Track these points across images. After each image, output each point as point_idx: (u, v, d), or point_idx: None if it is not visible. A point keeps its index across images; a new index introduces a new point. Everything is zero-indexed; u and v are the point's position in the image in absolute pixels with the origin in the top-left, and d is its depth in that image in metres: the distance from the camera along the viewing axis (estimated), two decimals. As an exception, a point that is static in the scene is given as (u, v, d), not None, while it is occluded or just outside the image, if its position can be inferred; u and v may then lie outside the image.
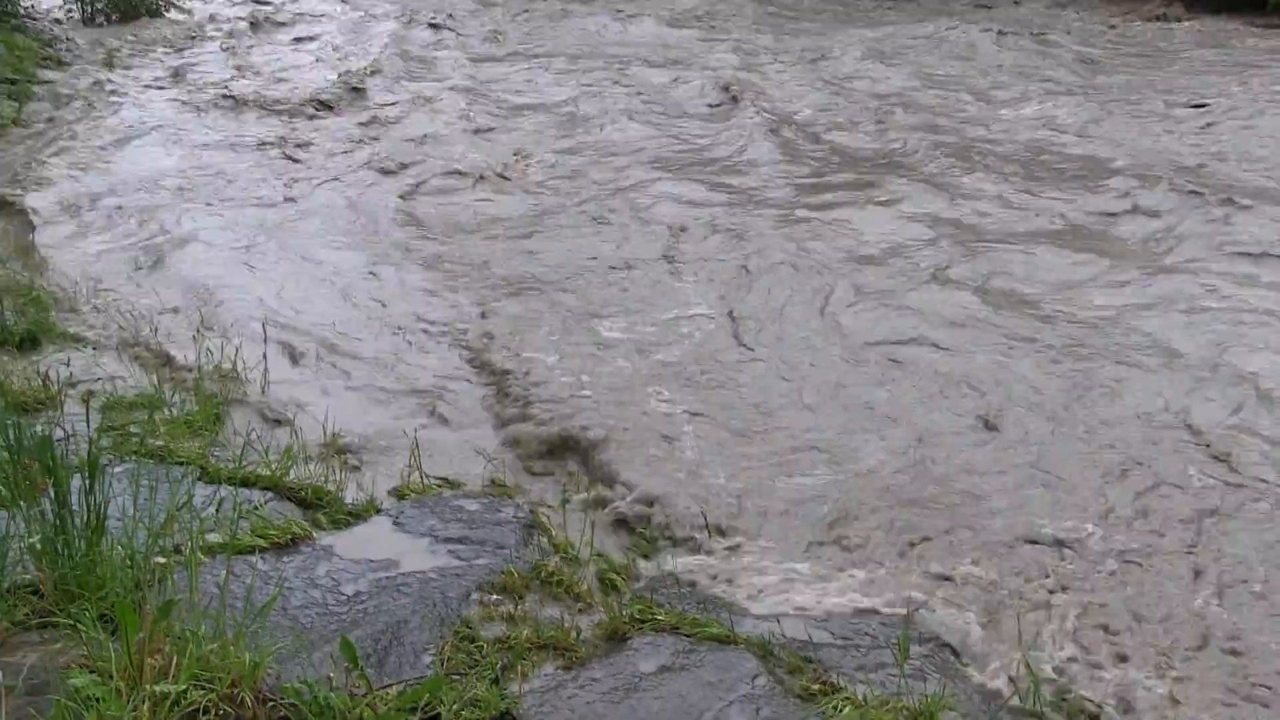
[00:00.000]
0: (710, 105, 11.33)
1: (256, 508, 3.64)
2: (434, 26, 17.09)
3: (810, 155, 9.28)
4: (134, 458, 3.81)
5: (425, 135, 9.89)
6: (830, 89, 12.05)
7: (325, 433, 4.18)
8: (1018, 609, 3.33)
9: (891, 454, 4.30)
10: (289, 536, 3.52)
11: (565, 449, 4.33)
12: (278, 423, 4.30)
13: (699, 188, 8.22)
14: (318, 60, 14.21)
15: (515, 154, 9.25)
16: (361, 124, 10.41)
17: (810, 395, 4.78)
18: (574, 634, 3.08)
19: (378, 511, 3.76)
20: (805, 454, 4.32)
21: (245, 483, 3.76)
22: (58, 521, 2.96)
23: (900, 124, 10.23)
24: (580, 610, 3.26)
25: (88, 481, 3.01)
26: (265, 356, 4.95)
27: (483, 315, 5.70)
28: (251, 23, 17.30)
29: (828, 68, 13.39)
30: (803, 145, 9.60)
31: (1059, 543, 3.70)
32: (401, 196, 8.03)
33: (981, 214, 7.46)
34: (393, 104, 11.29)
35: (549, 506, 3.88)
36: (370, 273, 6.46)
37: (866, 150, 9.48)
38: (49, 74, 13.00)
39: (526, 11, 19.19)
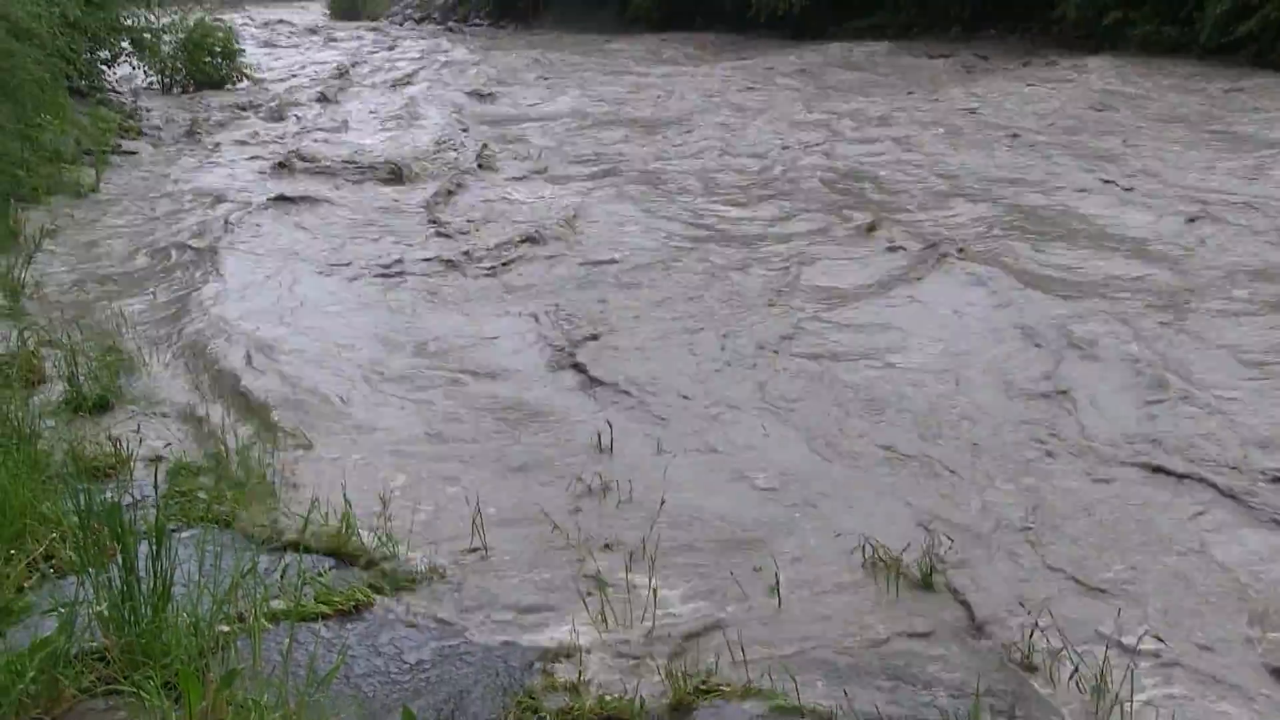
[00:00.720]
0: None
1: (320, 574, 3.64)
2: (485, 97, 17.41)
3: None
4: (200, 523, 3.84)
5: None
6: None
7: (386, 495, 4.18)
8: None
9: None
10: (353, 603, 3.51)
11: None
12: (340, 486, 4.30)
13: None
14: (382, 129, 14.52)
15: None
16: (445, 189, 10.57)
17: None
18: (637, 704, 3.03)
19: (441, 577, 3.74)
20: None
21: (309, 548, 3.76)
22: (125, 588, 2.99)
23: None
24: (645, 680, 3.19)
25: (154, 548, 3.04)
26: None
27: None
28: (322, 95, 17.72)
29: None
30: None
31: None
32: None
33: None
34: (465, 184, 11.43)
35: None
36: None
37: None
38: (128, 143, 13.47)
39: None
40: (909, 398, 5.31)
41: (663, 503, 4.20)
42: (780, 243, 8.31)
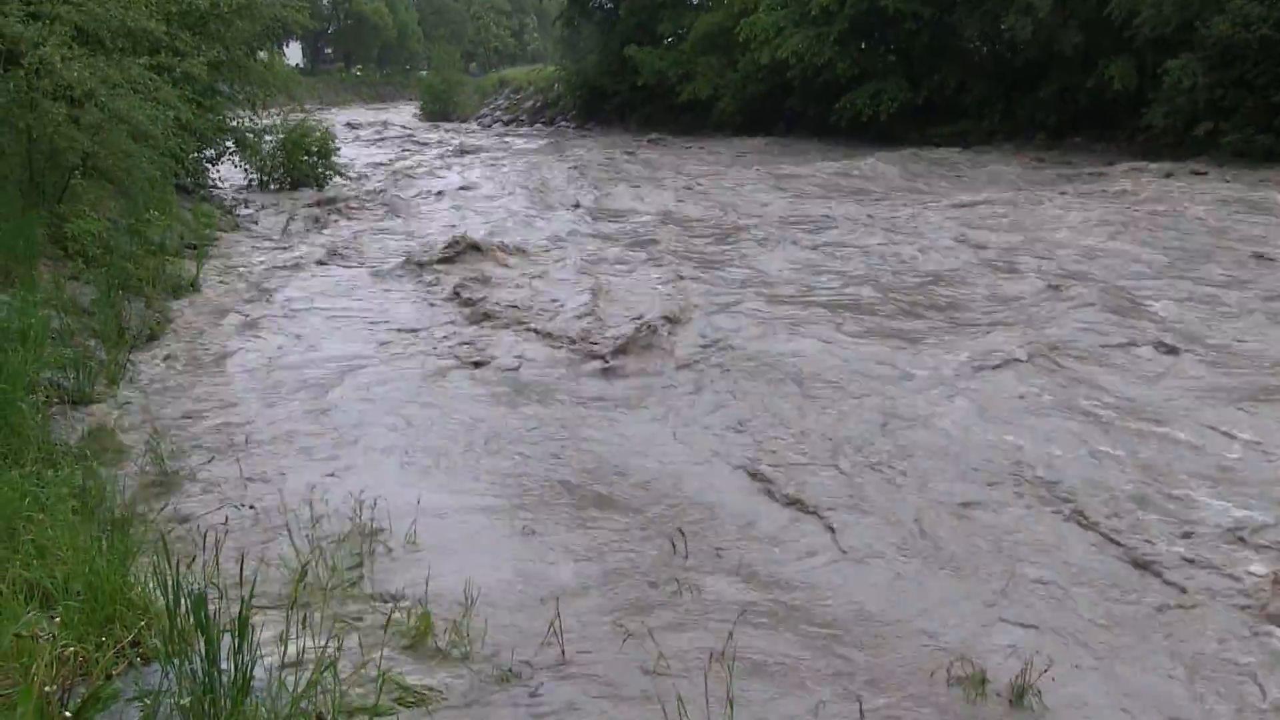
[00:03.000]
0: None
1: (398, 670, 3.65)
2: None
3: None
4: (281, 616, 3.87)
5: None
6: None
7: (465, 596, 4.19)
8: None
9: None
10: (425, 702, 3.51)
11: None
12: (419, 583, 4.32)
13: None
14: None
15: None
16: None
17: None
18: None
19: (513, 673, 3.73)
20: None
21: (387, 643, 3.78)
22: (207, 680, 3.03)
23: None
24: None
25: (237, 640, 3.08)
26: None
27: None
28: (395, 200, 18.19)
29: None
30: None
31: None
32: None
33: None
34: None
35: None
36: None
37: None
38: (226, 236, 13.98)
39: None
40: None
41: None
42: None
